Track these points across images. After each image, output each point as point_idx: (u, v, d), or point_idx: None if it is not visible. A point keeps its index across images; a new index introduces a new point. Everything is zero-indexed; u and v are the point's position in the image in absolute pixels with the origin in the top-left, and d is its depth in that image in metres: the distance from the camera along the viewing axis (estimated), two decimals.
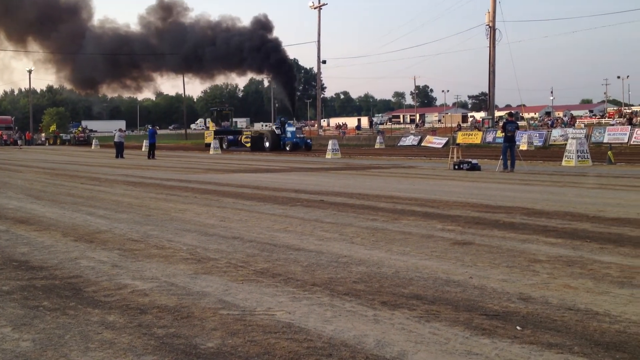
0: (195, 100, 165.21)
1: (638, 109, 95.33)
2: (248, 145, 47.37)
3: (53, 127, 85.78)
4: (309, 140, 46.45)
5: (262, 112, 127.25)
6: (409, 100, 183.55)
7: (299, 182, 17.30)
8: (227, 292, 5.48)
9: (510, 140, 20.75)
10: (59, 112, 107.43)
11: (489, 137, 44.10)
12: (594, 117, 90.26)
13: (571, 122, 51.94)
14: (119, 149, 36.04)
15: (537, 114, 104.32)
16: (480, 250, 7.16)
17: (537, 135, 41.74)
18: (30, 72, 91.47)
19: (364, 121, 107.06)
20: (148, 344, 4.18)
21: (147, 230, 8.87)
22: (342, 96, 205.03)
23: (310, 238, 8.11)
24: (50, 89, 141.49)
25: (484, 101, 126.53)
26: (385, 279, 5.87)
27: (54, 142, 76.64)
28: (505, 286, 5.57)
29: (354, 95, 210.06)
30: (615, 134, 38.31)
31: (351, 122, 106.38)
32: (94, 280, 6.00)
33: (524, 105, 75.33)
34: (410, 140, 50.64)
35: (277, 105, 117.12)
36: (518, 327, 4.42)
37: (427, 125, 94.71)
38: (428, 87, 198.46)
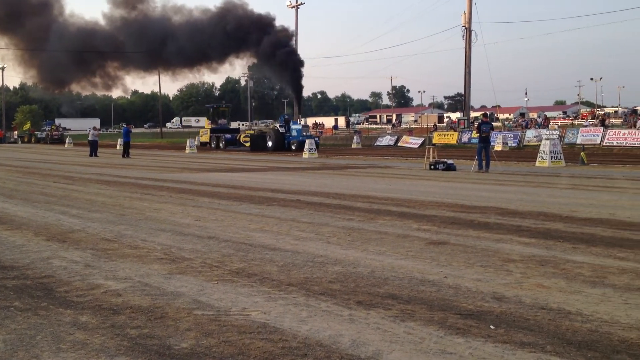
0: (171, 98, 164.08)
1: (610, 111, 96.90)
2: (248, 144, 43.33)
3: (28, 125, 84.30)
4: (316, 139, 40.86)
5: (240, 111, 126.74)
6: (385, 100, 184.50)
7: (276, 181, 17.27)
8: (202, 292, 5.44)
9: (484, 141, 20.93)
10: (32, 109, 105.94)
11: (465, 138, 44.44)
12: (567, 118, 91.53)
13: (545, 123, 52.48)
14: (93, 147, 35.66)
15: (511, 114, 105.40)
16: (455, 250, 7.21)
17: (512, 136, 42.17)
18: (2, 69, 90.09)
19: (341, 121, 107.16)
20: (121, 345, 4.14)
21: (121, 230, 8.78)
22: (319, 96, 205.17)
23: (287, 238, 8.10)
24: (23, 86, 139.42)
25: (459, 102, 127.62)
26: (361, 279, 5.88)
27: (28, 141, 75.41)
28: (480, 286, 5.62)
29: (331, 95, 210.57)
30: (588, 135, 38.84)
31: (328, 121, 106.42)
32: (66, 280, 5.92)
33: (499, 106, 76.03)
34: (386, 140, 50.84)
35: (254, 104, 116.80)
36: (492, 327, 4.46)
37: (403, 126, 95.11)
38: (405, 87, 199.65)
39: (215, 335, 4.29)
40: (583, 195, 13.04)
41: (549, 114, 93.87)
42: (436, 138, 45.22)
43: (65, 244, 7.78)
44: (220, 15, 49.82)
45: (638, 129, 38.59)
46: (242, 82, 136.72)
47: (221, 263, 6.58)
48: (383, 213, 10.35)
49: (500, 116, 78.19)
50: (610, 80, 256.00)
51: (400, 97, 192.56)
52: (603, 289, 5.48)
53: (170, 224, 9.26)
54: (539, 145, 25.87)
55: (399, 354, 3.95)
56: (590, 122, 52.67)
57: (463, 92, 52.86)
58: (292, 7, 59.27)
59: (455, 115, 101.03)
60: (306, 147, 33.51)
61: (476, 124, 28.48)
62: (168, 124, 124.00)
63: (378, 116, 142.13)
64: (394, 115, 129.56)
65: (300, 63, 46.51)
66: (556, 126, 50.78)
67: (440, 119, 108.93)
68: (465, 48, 46.32)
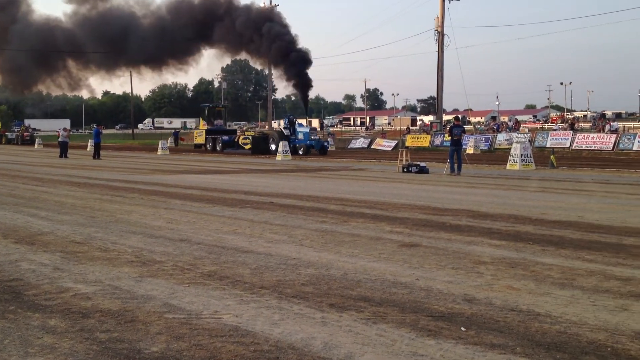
0: (143, 99, 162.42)
1: (580, 115, 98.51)
2: (247, 147, 40.90)
3: None
4: (325, 143, 39.24)
5: (213, 112, 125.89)
6: (359, 103, 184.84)
7: (249, 183, 17.21)
8: (173, 295, 5.39)
9: (456, 144, 21.10)
10: (0, 110, 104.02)
11: (437, 141, 44.81)
12: (537, 122, 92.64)
13: (516, 126, 53.15)
14: (63, 148, 35.13)
15: (483, 118, 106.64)
16: (427, 252, 7.26)
17: (483, 139, 42.68)
18: None
19: (315, 123, 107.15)
20: (90, 349, 4.08)
21: (91, 232, 8.67)
22: (293, 98, 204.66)
23: (259, 240, 8.07)
24: None
25: (432, 105, 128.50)
26: (334, 281, 5.88)
27: None
28: (451, 287, 5.66)
29: None
30: (558, 138, 39.47)
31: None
32: (35, 283, 5.83)
33: (470, 110, 76.62)
34: (360, 143, 51.02)
35: (228, 106, 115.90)
36: (462, 328, 4.50)
37: (377, 128, 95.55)
38: (378, 90, 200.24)
39: (186, 339, 4.26)
40: (552, 198, 13.23)
41: (519, 117, 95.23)
42: (409, 141, 45.54)
43: (34, 246, 7.65)
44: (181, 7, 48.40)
45: (606, 133, 39.32)
46: (216, 84, 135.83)
47: (193, 266, 6.53)
48: (356, 215, 10.38)
49: (472, 119, 78.87)
50: (580, 84, 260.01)
51: (374, 100, 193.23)
52: (572, 291, 5.57)
53: (141, 227, 9.17)
54: (510, 148, 26.20)
55: (371, 356, 3.96)
56: (560, 126, 53.45)
57: (436, 95, 53.30)
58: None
59: (428, 118, 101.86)
60: (280, 149, 33.44)
61: (448, 127, 28.72)
62: (140, 125, 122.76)
63: (352, 119, 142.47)
64: (368, 118, 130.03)
65: (309, 61, 44.44)
66: (527, 130, 51.43)
67: (413, 121, 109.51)
68: (438, 52, 46.74)
